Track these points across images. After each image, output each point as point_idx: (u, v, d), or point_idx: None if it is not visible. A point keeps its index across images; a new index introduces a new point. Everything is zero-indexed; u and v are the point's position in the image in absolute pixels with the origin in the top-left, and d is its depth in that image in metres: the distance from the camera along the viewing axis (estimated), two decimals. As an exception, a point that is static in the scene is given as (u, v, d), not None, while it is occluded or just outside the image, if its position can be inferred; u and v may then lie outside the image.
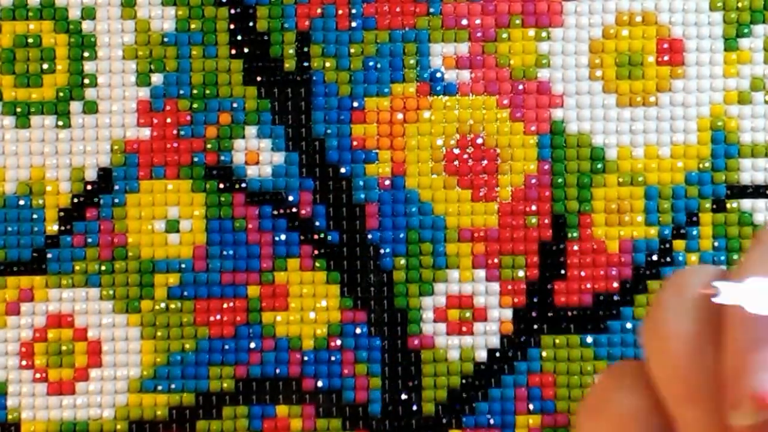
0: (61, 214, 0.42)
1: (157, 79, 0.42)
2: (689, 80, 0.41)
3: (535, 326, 0.42)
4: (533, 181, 0.42)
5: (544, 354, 0.42)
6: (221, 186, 0.42)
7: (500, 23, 0.42)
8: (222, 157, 0.42)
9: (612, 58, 0.41)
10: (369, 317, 0.42)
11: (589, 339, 0.42)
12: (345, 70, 0.42)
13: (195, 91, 0.42)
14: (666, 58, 0.41)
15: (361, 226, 0.42)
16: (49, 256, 0.41)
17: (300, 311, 0.42)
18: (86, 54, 0.41)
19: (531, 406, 0.42)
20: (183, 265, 0.42)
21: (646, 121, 0.41)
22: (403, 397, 0.42)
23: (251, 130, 0.42)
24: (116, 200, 0.42)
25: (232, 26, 0.42)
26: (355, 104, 0.42)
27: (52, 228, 0.41)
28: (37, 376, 0.41)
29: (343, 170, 0.42)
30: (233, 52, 0.42)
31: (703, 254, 0.42)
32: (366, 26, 0.42)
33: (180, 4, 0.42)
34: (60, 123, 0.41)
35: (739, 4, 0.41)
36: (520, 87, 0.42)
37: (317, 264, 0.42)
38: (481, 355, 0.42)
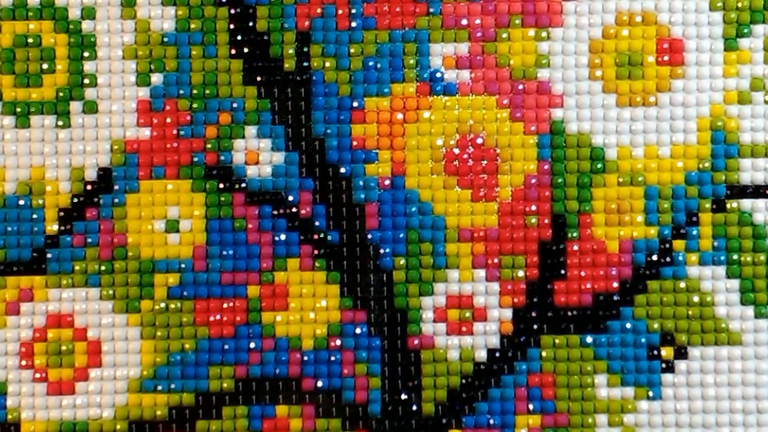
0: (61, 214, 0.42)
1: (157, 79, 0.42)
2: (689, 80, 0.41)
3: (535, 326, 0.42)
4: (533, 181, 0.42)
5: (544, 354, 0.42)
6: (221, 186, 0.42)
7: (500, 23, 0.42)
8: (222, 157, 0.42)
9: (612, 58, 0.41)
10: (369, 317, 0.42)
11: (589, 339, 0.42)
12: (345, 70, 0.42)
13: (195, 91, 0.42)
14: (666, 58, 0.41)
15: (361, 226, 0.42)
16: (49, 256, 0.41)
17: (300, 311, 0.42)
18: (86, 54, 0.42)
19: (531, 406, 0.42)
20: (183, 265, 0.42)
21: (646, 121, 0.41)
22: (403, 397, 0.42)
23: (251, 130, 0.42)
24: (116, 200, 0.42)
25: (232, 26, 0.42)
26: (355, 104, 0.42)
27: (52, 228, 0.41)
28: (37, 376, 0.41)
29: (343, 170, 0.42)
30: (233, 52, 0.42)
31: (703, 254, 0.42)
32: (366, 26, 0.42)
33: (180, 4, 0.42)
34: (60, 123, 0.41)
35: (739, 4, 0.41)
36: (520, 87, 0.42)
37: (317, 264, 0.42)
38: (481, 355, 0.42)
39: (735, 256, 0.41)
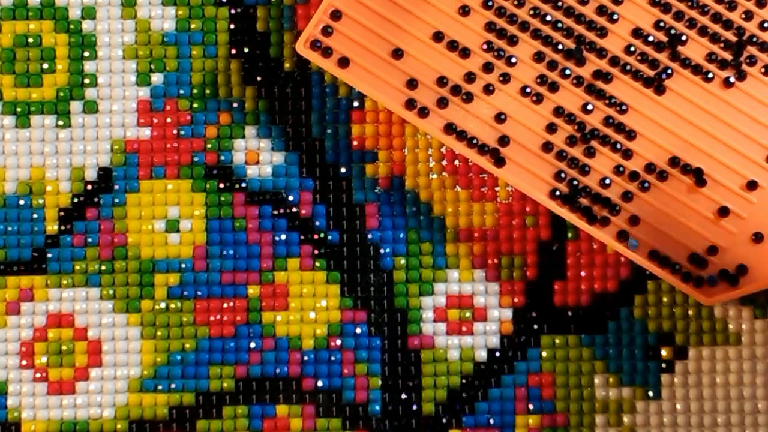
0: (61, 214, 0.42)
1: (157, 79, 0.42)
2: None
3: (535, 326, 0.42)
4: (533, 181, 0.42)
5: (544, 354, 0.42)
6: (221, 186, 0.42)
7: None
8: (222, 157, 0.42)
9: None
10: (369, 317, 0.42)
11: (589, 339, 0.42)
12: (345, 70, 0.42)
13: (195, 91, 0.42)
14: None
15: (361, 226, 0.42)
16: (49, 255, 0.42)
17: (300, 311, 0.42)
18: (86, 54, 0.42)
19: (531, 406, 0.42)
20: (183, 265, 0.42)
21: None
22: (403, 397, 0.42)
23: (251, 130, 0.42)
24: (116, 200, 0.42)
25: (232, 26, 0.42)
26: (355, 104, 0.42)
27: (52, 228, 0.42)
28: (38, 375, 0.41)
29: (342, 170, 0.42)
30: (233, 52, 0.42)
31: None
32: (366, 26, 0.41)
33: (180, 4, 0.42)
34: (60, 123, 0.42)
35: None
36: (520, 87, 0.42)
37: (317, 264, 0.42)
38: (481, 355, 0.42)
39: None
